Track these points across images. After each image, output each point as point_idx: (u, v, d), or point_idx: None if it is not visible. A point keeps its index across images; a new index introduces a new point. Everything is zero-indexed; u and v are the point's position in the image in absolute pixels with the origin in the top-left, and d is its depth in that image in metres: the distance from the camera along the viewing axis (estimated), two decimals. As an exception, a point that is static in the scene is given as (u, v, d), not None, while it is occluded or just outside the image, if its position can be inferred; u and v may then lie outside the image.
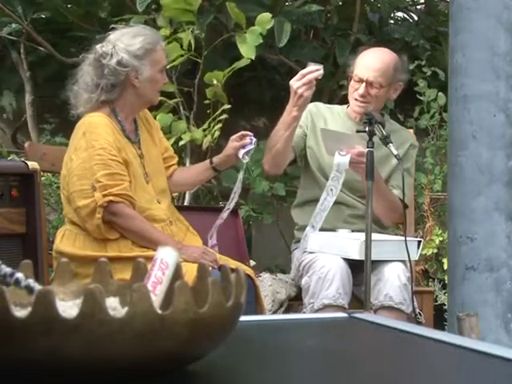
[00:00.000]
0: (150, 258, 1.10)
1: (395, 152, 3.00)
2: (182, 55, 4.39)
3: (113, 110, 3.06)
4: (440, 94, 5.16)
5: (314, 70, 3.13)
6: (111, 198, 2.91)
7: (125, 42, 3.03)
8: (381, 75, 3.34)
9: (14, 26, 5.51)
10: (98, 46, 3.04)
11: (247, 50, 4.34)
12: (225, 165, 3.31)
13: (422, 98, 5.28)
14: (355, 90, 3.37)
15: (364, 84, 3.34)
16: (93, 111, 3.03)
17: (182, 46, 4.37)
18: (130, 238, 2.97)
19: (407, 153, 3.45)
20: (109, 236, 2.96)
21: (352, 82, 3.39)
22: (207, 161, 3.34)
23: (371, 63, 3.35)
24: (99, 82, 3.01)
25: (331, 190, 3.23)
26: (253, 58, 4.35)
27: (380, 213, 3.33)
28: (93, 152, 2.93)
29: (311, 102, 3.33)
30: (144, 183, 3.07)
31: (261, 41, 4.34)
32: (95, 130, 2.97)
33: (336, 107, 3.58)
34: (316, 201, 3.32)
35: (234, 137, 3.25)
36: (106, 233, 2.95)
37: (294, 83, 3.13)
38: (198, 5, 4.40)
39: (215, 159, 3.29)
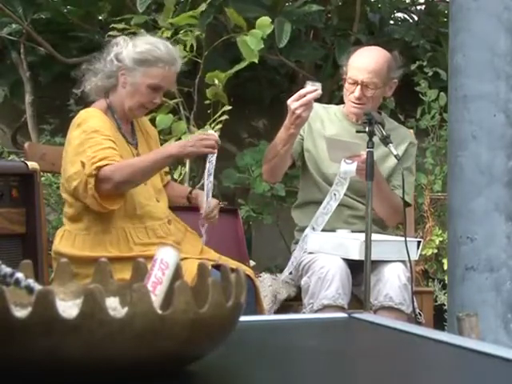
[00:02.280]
0: (150, 258, 1.10)
1: (395, 152, 3.00)
2: (184, 57, 4.39)
3: (109, 106, 3.07)
4: (441, 94, 5.16)
5: (311, 91, 3.11)
6: (98, 163, 2.84)
7: (136, 43, 3.05)
8: (375, 76, 3.33)
9: (14, 26, 5.51)
10: (122, 36, 3.12)
11: (249, 53, 4.34)
12: (196, 203, 3.29)
13: (424, 98, 5.27)
14: (351, 93, 3.36)
15: (359, 86, 3.33)
16: (93, 96, 3.08)
17: (185, 48, 4.37)
18: (133, 185, 2.94)
19: (407, 151, 3.44)
20: (111, 206, 2.91)
21: (346, 85, 3.38)
22: (188, 188, 3.36)
23: (365, 64, 3.34)
24: (102, 66, 3.06)
25: (334, 194, 3.24)
26: (256, 61, 4.35)
27: (383, 214, 3.35)
28: (85, 137, 2.91)
29: None
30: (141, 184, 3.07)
31: (262, 45, 4.34)
32: (90, 120, 2.98)
33: (333, 107, 3.58)
34: (316, 202, 3.33)
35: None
36: (106, 202, 2.89)
37: (292, 103, 3.11)
38: (201, 10, 4.41)
39: (194, 192, 3.28)
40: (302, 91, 3.12)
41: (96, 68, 3.07)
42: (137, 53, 3.01)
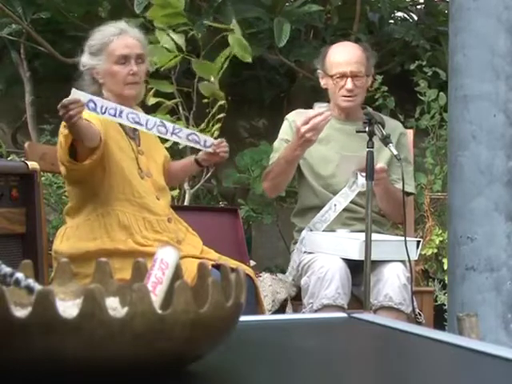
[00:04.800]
0: (149, 255, 1.10)
1: (395, 152, 3.00)
2: (175, 56, 4.38)
3: None
4: (441, 94, 5.16)
5: (320, 113, 3.11)
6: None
7: (88, 42, 3.13)
8: (361, 65, 3.38)
9: (14, 26, 5.51)
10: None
11: (239, 49, 4.34)
12: (206, 161, 3.29)
13: (422, 98, 5.27)
14: (341, 87, 3.38)
15: (349, 78, 3.35)
16: None
17: (169, 51, 4.36)
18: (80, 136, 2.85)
19: (399, 142, 3.44)
20: (81, 159, 2.90)
21: (334, 81, 3.38)
22: (191, 157, 3.35)
23: (348, 57, 3.38)
24: (81, 84, 3.09)
25: (335, 205, 3.27)
26: (249, 60, 4.34)
27: (390, 212, 3.41)
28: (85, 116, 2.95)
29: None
30: (138, 177, 3.08)
31: (244, 42, 4.34)
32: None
33: (318, 105, 3.57)
34: (314, 208, 3.36)
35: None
36: (76, 156, 2.90)
37: (302, 127, 3.12)
38: (183, 5, 4.39)
39: (199, 155, 3.28)
40: (310, 114, 3.13)
41: (83, 85, 3.09)
42: (92, 46, 3.10)
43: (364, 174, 3.14)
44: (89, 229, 3.02)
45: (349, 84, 3.36)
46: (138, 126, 3.01)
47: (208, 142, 3.16)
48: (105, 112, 2.91)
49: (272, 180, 3.39)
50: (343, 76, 3.35)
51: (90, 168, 2.94)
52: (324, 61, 3.42)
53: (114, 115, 2.93)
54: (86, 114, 2.87)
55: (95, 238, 3.00)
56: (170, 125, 3.08)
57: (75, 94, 2.83)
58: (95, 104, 2.88)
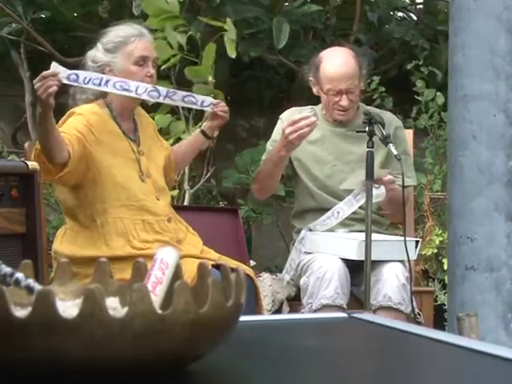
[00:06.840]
0: (149, 257, 1.10)
1: (395, 152, 3.00)
2: (174, 55, 4.38)
3: (107, 104, 3.09)
4: (438, 93, 5.16)
5: (305, 118, 3.11)
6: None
7: (101, 39, 3.10)
8: (355, 79, 3.35)
9: (14, 25, 5.51)
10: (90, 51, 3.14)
11: (230, 47, 4.36)
12: (211, 129, 3.27)
13: (419, 98, 5.27)
14: (335, 103, 3.37)
15: (345, 95, 3.34)
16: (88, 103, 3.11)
17: (172, 47, 4.36)
18: (48, 146, 2.81)
19: (396, 135, 3.42)
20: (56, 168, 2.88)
21: (328, 96, 3.37)
22: (196, 131, 3.36)
23: (342, 72, 3.34)
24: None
25: (338, 212, 3.27)
26: (233, 56, 4.36)
27: (392, 213, 3.40)
28: (67, 118, 2.97)
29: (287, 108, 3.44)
30: (137, 178, 3.08)
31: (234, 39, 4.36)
32: (82, 112, 3.01)
33: (308, 110, 3.55)
34: (312, 210, 3.37)
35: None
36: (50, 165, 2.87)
37: (287, 128, 3.13)
38: (178, 8, 4.40)
39: (204, 125, 3.29)
40: (296, 117, 3.13)
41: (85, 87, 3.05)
42: (106, 44, 3.08)
43: (377, 186, 3.15)
44: (87, 238, 3.00)
45: (344, 101, 3.35)
46: (126, 93, 2.97)
47: (206, 101, 3.13)
48: (88, 82, 2.89)
49: (260, 182, 3.40)
50: (339, 93, 3.34)
51: (62, 182, 2.94)
52: (317, 72, 3.38)
53: (99, 84, 2.91)
54: (65, 129, 2.89)
55: (94, 248, 2.98)
56: (163, 89, 3.05)
57: (56, 67, 2.80)
58: (77, 76, 2.86)
